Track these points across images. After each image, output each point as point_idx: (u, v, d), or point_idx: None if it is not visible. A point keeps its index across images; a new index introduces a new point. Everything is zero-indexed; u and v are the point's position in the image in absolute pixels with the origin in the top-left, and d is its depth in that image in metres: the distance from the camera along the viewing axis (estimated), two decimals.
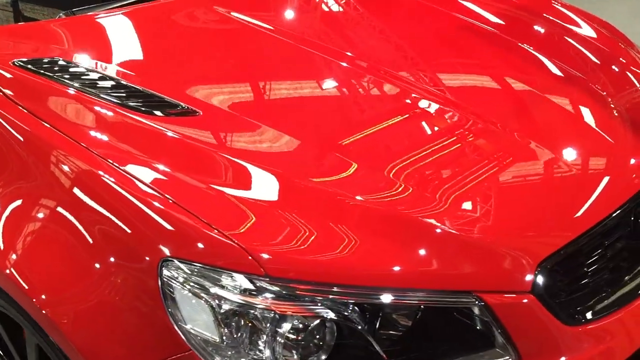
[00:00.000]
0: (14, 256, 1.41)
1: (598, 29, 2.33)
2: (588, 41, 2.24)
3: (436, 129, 1.73)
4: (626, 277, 1.56)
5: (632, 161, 1.69)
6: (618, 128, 1.79)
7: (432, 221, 1.39)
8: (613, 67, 2.14)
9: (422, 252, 1.36)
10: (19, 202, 1.47)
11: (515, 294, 1.36)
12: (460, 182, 1.51)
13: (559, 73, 2.01)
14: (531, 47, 2.12)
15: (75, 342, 1.32)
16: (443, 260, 1.35)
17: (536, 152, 1.64)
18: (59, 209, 1.42)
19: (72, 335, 1.33)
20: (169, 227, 1.31)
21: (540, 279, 1.38)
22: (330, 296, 1.27)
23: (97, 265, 1.33)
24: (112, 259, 1.32)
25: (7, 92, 1.61)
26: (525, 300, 1.36)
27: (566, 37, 2.26)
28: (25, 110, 1.55)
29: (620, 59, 2.19)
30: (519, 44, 2.13)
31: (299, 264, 1.28)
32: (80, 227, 1.37)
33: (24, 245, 1.42)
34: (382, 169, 1.50)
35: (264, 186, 1.44)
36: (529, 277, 1.36)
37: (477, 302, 1.33)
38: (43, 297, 1.35)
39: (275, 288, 1.26)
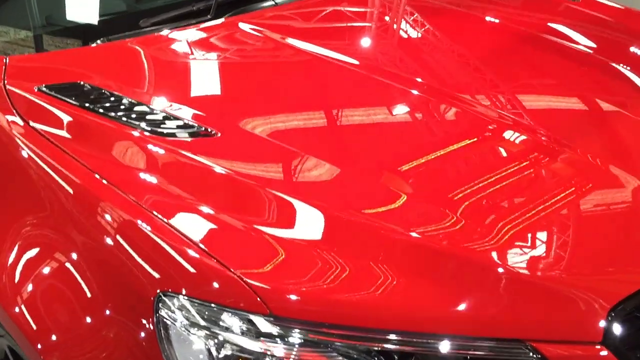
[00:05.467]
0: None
1: None
2: None
3: (505, 154, 1.56)
4: None
5: None
6: None
7: (483, 258, 1.23)
8: None
9: (464, 291, 1.20)
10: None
11: (582, 345, 1.18)
12: (525, 213, 1.34)
13: None
14: (624, 66, 1.95)
15: None
16: (489, 302, 1.19)
17: (617, 178, 1.46)
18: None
19: None
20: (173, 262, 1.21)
21: (614, 327, 1.18)
22: (347, 341, 1.13)
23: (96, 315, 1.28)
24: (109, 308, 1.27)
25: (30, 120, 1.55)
26: (595, 353, 1.17)
27: None
28: (46, 139, 1.49)
29: None
30: (610, 63, 1.97)
31: (314, 303, 1.15)
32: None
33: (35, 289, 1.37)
34: (437, 200, 1.35)
35: (297, 220, 1.31)
36: (599, 325, 1.18)
37: (531, 354, 1.15)
38: (47, 341, 1.31)
39: (280, 330, 1.12)
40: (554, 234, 1.31)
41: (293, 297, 1.13)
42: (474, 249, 1.24)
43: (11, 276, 1.37)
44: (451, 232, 1.27)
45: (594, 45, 2.09)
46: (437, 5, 2.34)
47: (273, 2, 2.16)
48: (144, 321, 1.19)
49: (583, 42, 2.10)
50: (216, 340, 1.13)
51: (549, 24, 2.19)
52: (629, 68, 1.94)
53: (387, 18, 2.30)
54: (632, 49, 2.14)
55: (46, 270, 1.35)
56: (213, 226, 1.27)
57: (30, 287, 1.35)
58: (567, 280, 1.22)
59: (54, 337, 1.30)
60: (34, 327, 1.31)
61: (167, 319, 1.16)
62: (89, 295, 1.28)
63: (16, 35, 2.03)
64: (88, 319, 1.27)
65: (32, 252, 1.39)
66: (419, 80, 1.80)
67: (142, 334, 1.20)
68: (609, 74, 1.93)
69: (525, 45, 2.08)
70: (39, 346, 1.30)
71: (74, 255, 1.33)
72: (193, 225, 1.26)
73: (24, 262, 1.38)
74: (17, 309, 1.34)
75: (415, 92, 1.75)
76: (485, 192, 1.38)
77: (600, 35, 2.21)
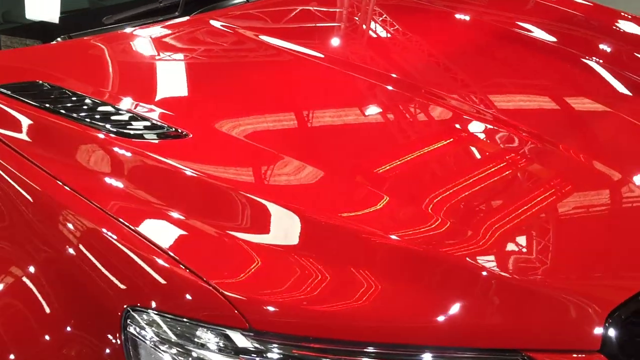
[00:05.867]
0: None
1: None
2: None
3: (478, 155, 1.50)
4: None
5: None
6: None
7: (471, 262, 1.17)
8: None
9: (455, 300, 1.13)
10: None
11: (579, 354, 1.13)
12: (511, 214, 1.29)
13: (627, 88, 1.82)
14: (596, 60, 1.95)
15: None
16: (481, 311, 1.13)
17: (604, 175, 1.42)
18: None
19: None
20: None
21: (612, 334, 1.13)
22: (332, 356, 1.06)
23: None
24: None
25: None
26: None
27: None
28: (3, 143, 1.40)
29: None
30: (582, 58, 1.96)
31: (296, 315, 1.07)
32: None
33: None
34: (419, 201, 1.28)
35: (274, 225, 1.24)
36: (596, 332, 1.12)
37: None
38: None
39: (260, 345, 1.05)
40: (545, 237, 1.27)
41: (273, 309, 1.06)
42: (463, 254, 1.18)
43: None
44: (438, 235, 1.21)
45: (571, 42, 2.07)
46: (412, 4, 2.30)
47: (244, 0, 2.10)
48: (110, 337, 1.11)
49: (560, 40, 2.08)
50: (190, 358, 1.06)
51: (521, 22, 2.17)
52: (601, 62, 1.94)
53: (357, 18, 2.25)
54: (607, 45, 2.13)
55: (0, 286, 1.26)
56: (184, 233, 1.20)
57: None
58: (561, 287, 1.17)
59: (11, 357, 1.21)
60: None
61: (135, 335, 1.08)
62: (47, 310, 1.20)
63: None
64: (47, 337, 1.19)
65: None
66: (394, 76, 1.75)
67: (108, 352, 1.12)
68: (586, 71, 1.92)
69: (502, 42, 2.05)
70: None
71: (32, 269, 1.25)
72: (163, 233, 1.18)
73: None
74: None
75: (390, 87, 1.70)
76: (469, 192, 1.32)
77: (576, 32, 2.20)
